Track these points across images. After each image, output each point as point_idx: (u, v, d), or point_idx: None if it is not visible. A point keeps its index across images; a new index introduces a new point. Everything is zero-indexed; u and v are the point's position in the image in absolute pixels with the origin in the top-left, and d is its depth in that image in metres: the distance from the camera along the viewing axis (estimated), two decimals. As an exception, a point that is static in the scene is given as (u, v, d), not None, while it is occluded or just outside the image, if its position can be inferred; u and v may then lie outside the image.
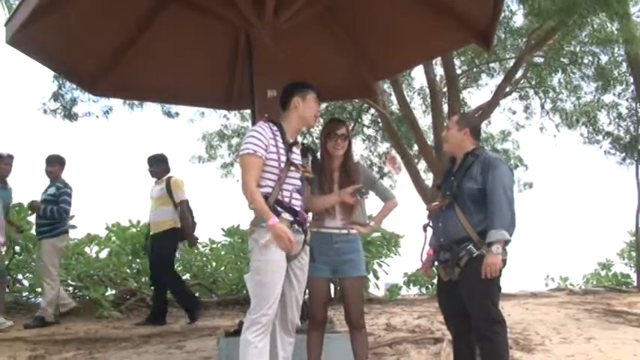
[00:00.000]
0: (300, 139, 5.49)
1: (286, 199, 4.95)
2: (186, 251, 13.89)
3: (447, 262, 5.17)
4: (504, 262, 5.03)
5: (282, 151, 4.98)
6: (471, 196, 5.05)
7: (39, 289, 11.85)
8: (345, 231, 5.58)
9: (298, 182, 5.06)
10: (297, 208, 5.03)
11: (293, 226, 4.97)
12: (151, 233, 10.66)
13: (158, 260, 10.54)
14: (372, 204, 6.27)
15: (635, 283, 16.45)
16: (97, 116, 15.53)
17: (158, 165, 10.66)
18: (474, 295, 5.06)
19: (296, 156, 5.11)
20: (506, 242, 4.96)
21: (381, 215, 6.08)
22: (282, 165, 4.95)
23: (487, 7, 7.42)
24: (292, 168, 5.00)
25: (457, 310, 5.25)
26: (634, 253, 16.85)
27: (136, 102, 15.81)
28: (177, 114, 16.88)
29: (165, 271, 10.51)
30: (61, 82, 14.14)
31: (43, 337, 9.31)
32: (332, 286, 9.49)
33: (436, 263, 5.42)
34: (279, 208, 4.91)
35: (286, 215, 4.93)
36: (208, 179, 39.33)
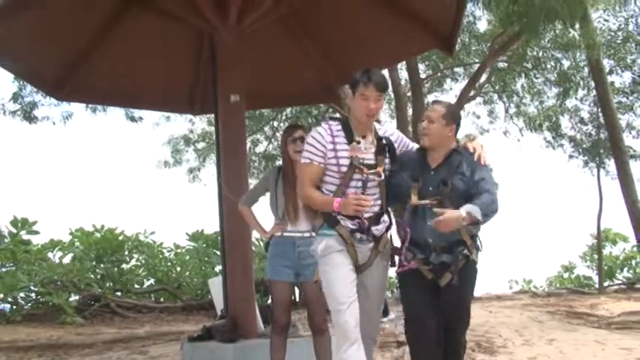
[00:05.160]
0: (387, 129, 4.89)
1: None
2: (151, 256, 13.86)
3: (441, 265, 4.60)
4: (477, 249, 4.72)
5: (343, 154, 4.52)
6: (462, 196, 4.61)
7: (1, 295, 11.74)
8: (308, 234, 5.59)
9: (362, 185, 4.55)
10: (364, 215, 4.51)
11: (354, 235, 4.52)
12: None
13: None
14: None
15: (596, 285, 16.66)
16: (54, 122, 15.46)
17: None
18: (463, 300, 4.75)
19: (365, 155, 4.56)
20: (476, 221, 4.50)
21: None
22: (344, 168, 4.52)
23: (450, 13, 7.49)
24: (356, 171, 4.51)
25: (429, 309, 4.70)
26: (596, 256, 17.06)
27: (99, 106, 15.69)
28: (141, 118, 16.80)
29: None
30: (21, 83, 14.01)
31: (4, 344, 9.22)
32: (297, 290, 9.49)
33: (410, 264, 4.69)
34: (339, 217, 4.51)
35: (346, 223, 4.51)
36: (174, 184, 39.09)
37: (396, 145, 4.76)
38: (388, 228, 4.73)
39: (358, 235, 4.54)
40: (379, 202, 4.61)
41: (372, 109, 4.50)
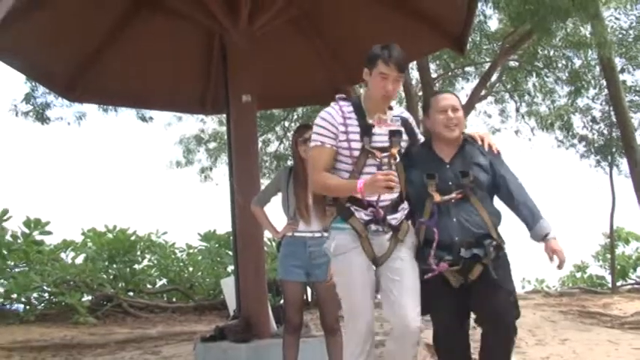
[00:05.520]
0: (397, 110, 4.40)
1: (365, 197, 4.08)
2: (163, 256, 13.89)
3: (472, 258, 4.15)
4: None
5: (355, 137, 4.12)
6: (486, 187, 4.33)
7: (14, 295, 11.79)
8: (319, 234, 5.59)
9: (376, 171, 4.07)
10: (380, 203, 4.14)
11: (369, 226, 4.13)
12: None
13: None
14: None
15: (609, 285, 16.59)
16: (69, 123, 15.46)
17: None
18: (503, 288, 4.25)
19: (380, 138, 4.15)
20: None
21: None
22: (357, 153, 4.12)
23: (460, 13, 7.49)
24: (369, 155, 4.10)
25: (459, 320, 4.33)
26: (608, 255, 16.99)
27: (111, 106, 15.72)
28: (151, 118, 16.80)
29: None
30: (33, 84, 14.04)
31: (18, 344, 9.26)
32: (309, 290, 9.50)
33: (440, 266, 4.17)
34: (352, 207, 4.15)
35: (360, 214, 4.14)
36: (186, 184, 39.16)
37: (407, 129, 4.35)
38: (408, 216, 4.29)
39: (373, 226, 4.15)
40: (397, 188, 4.10)
41: (390, 91, 4.12)
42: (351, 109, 4.19)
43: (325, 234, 5.58)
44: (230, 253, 12.77)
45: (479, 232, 4.21)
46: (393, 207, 4.22)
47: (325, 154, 4.15)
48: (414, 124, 4.43)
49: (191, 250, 14.67)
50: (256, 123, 7.84)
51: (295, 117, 19.17)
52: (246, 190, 6.81)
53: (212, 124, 20.16)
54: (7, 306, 12.27)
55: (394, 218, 4.21)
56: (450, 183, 4.26)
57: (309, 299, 10.84)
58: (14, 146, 38.70)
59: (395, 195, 4.17)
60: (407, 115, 4.41)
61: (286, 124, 19.63)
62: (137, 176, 39.16)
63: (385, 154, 4.12)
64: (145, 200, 35.31)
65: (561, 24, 12.89)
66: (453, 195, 4.22)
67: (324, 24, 8.42)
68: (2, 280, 12.42)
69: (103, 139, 33.83)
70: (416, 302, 4.12)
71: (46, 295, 12.50)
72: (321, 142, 4.15)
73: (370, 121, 4.14)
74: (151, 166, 42.64)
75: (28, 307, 12.00)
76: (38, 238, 12.92)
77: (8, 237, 12.54)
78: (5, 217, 12.63)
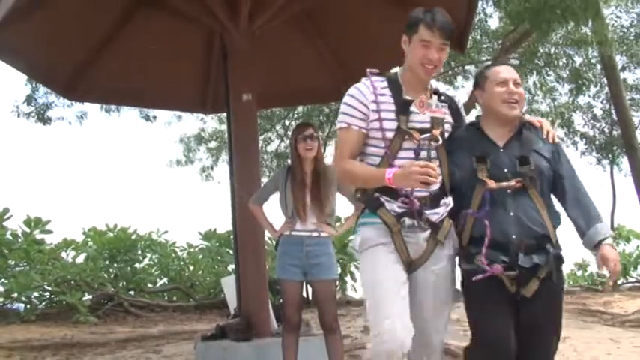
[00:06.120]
0: (442, 88, 3.73)
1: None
2: (163, 255, 13.89)
3: (531, 269, 3.48)
4: None
5: (389, 115, 3.48)
6: (547, 180, 3.62)
7: (15, 295, 11.79)
8: (316, 234, 5.60)
9: (414, 156, 3.48)
10: (415, 194, 3.48)
11: (402, 220, 3.47)
12: None
13: None
14: (344, 208, 6.31)
15: (610, 283, 16.58)
16: (70, 122, 15.48)
17: None
18: (556, 314, 3.68)
19: (419, 117, 3.51)
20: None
21: (352, 219, 6.11)
22: (391, 134, 3.47)
23: (460, 11, 7.47)
24: (406, 137, 3.47)
25: (510, 331, 3.53)
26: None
27: (113, 106, 15.73)
28: (155, 117, 16.83)
29: None
30: (34, 85, 14.06)
31: (19, 343, 9.26)
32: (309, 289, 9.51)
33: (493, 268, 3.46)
34: (383, 198, 3.50)
35: (392, 205, 3.49)
36: (186, 183, 39.18)
37: (452, 110, 3.70)
38: (452, 213, 3.63)
39: (407, 220, 3.49)
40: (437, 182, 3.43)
41: (434, 60, 3.44)
42: (385, 84, 3.56)
43: (323, 234, 5.60)
44: (231, 251, 12.77)
45: (540, 232, 3.51)
46: (433, 200, 3.55)
47: (352, 138, 3.54)
48: (460, 104, 3.80)
49: (192, 249, 14.67)
50: (257, 121, 7.84)
51: (296, 115, 19.18)
52: (247, 189, 6.80)
53: (212, 123, 20.19)
54: (8, 305, 12.27)
55: (435, 213, 3.55)
56: (505, 170, 3.56)
57: (310, 298, 10.84)
58: (16, 146, 38.74)
59: (436, 185, 3.47)
60: (452, 93, 3.77)
61: (287, 122, 19.63)
62: (138, 175, 39.21)
63: (425, 135, 3.47)
64: (146, 199, 35.36)
65: (562, 22, 12.89)
66: (512, 183, 3.52)
67: (324, 23, 8.41)
68: (3, 279, 12.42)
69: (104, 139, 33.91)
70: (445, 325, 3.65)
71: (47, 294, 12.49)
72: (347, 123, 3.54)
73: (408, 97, 3.50)
74: (151, 166, 42.72)
75: (28, 306, 12.00)
76: (39, 237, 12.92)
77: (9, 236, 12.54)
78: (6, 217, 12.62)
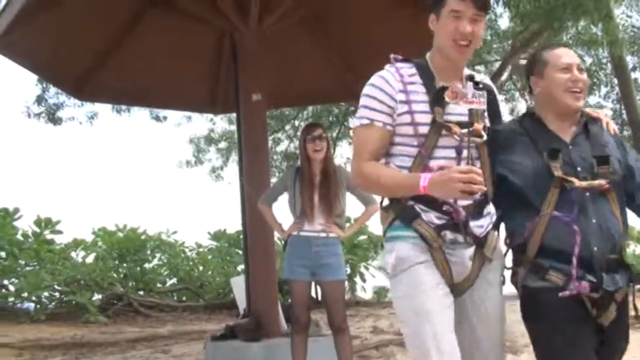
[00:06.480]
0: (478, 77, 3.04)
1: None
2: (173, 255, 13.91)
3: (614, 292, 2.83)
4: None
5: (421, 107, 2.81)
6: (620, 180, 2.99)
7: (25, 294, 11.84)
8: (324, 235, 5.59)
9: (455, 155, 2.82)
10: (459, 201, 2.78)
11: (444, 234, 2.77)
12: None
13: None
14: (354, 208, 6.31)
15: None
16: (81, 122, 15.50)
17: None
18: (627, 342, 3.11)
19: (456, 109, 2.84)
20: None
21: (361, 219, 6.13)
22: (425, 129, 2.80)
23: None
24: (443, 132, 2.79)
25: None
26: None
27: (123, 106, 15.77)
28: (165, 118, 16.85)
29: None
30: (44, 85, 14.09)
31: (29, 343, 9.29)
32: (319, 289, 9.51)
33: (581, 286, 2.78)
34: (418, 207, 2.79)
35: (430, 216, 2.79)
36: (196, 183, 39.25)
37: (489, 102, 3.01)
38: (496, 224, 3.00)
39: (449, 234, 2.78)
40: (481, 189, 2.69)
41: (468, 33, 2.82)
42: (413, 71, 2.91)
43: (331, 235, 5.59)
44: (240, 252, 12.79)
45: (619, 243, 2.91)
46: (477, 209, 2.87)
47: (375, 137, 2.85)
48: (498, 97, 3.15)
49: (201, 249, 14.72)
50: (266, 122, 7.85)
51: (305, 116, 19.17)
52: (256, 189, 6.81)
53: (222, 123, 20.20)
54: (18, 305, 12.34)
55: (479, 226, 2.87)
56: (579, 169, 2.91)
57: (319, 298, 10.84)
58: (26, 146, 38.90)
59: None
60: (490, 82, 3.09)
61: (296, 123, 19.63)
62: (147, 176, 39.25)
63: (465, 130, 2.78)
64: (155, 200, 35.47)
65: (572, 22, 12.85)
66: (603, 182, 2.87)
67: (333, 24, 8.41)
68: (13, 279, 12.49)
69: (114, 139, 33.96)
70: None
71: (57, 294, 12.55)
72: (369, 119, 2.85)
73: (442, 84, 2.85)
74: (161, 166, 42.82)
75: (38, 306, 12.06)
76: (49, 237, 12.99)
77: (19, 236, 12.60)
78: (16, 217, 12.68)
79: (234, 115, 8.66)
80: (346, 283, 9.53)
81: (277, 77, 7.91)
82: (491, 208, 2.98)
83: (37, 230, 12.81)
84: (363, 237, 13.18)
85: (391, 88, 2.83)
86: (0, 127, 38.00)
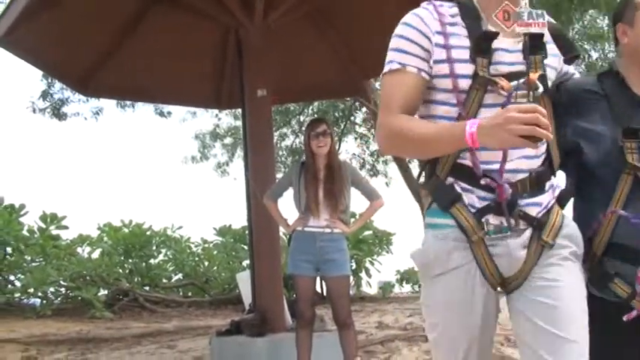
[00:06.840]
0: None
1: (477, 159, 2.18)
2: (178, 251, 13.93)
3: None
4: None
5: (462, 54, 2.21)
6: None
7: (31, 290, 11.86)
8: (329, 230, 5.59)
9: None
10: (506, 174, 2.17)
11: (485, 220, 2.17)
12: None
13: None
14: (359, 203, 6.31)
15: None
16: (86, 118, 15.50)
17: None
18: None
19: (507, 57, 2.21)
20: None
21: (366, 215, 6.14)
22: (466, 83, 2.19)
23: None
24: (489, 87, 2.17)
25: None
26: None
27: (128, 102, 15.77)
28: (169, 113, 16.84)
29: None
30: (49, 80, 14.10)
31: (35, 338, 9.31)
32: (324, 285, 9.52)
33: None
34: (459, 185, 2.22)
35: (472, 198, 2.20)
36: (201, 179, 39.29)
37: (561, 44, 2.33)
38: (561, 198, 2.32)
39: (492, 219, 2.17)
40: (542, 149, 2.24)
41: None
42: (455, 10, 2.29)
43: (336, 230, 5.59)
44: (245, 247, 12.80)
45: None
46: (534, 182, 2.23)
47: (407, 84, 2.23)
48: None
49: (206, 245, 14.74)
50: (272, 117, 7.83)
51: (311, 111, 19.15)
52: (262, 184, 6.80)
53: (227, 118, 20.19)
54: (24, 300, 12.37)
55: (536, 203, 2.22)
56: None
57: (324, 294, 10.85)
58: (31, 142, 38.95)
59: (539, 159, 2.24)
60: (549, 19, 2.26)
61: (302, 118, 19.61)
62: (152, 171, 39.34)
63: (516, 82, 2.16)
64: (161, 195, 35.51)
65: (579, 16, 12.83)
66: None
67: (338, 18, 8.39)
68: (19, 275, 12.53)
69: (120, 135, 34.03)
70: None
71: (63, 289, 12.59)
72: (401, 63, 2.25)
73: (490, 28, 2.22)
74: (166, 162, 42.82)
75: (44, 301, 12.09)
76: (55, 232, 13.02)
77: (25, 232, 12.62)
78: (22, 212, 12.70)
79: (239, 110, 8.64)
80: (351, 278, 9.55)
81: (282, 72, 7.90)
82: (555, 180, 2.33)
83: (43, 226, 12.83)
84: (368, 232, 13.19)
85: (427, 27, 2.25)
86: (5, 123, 38.03)
